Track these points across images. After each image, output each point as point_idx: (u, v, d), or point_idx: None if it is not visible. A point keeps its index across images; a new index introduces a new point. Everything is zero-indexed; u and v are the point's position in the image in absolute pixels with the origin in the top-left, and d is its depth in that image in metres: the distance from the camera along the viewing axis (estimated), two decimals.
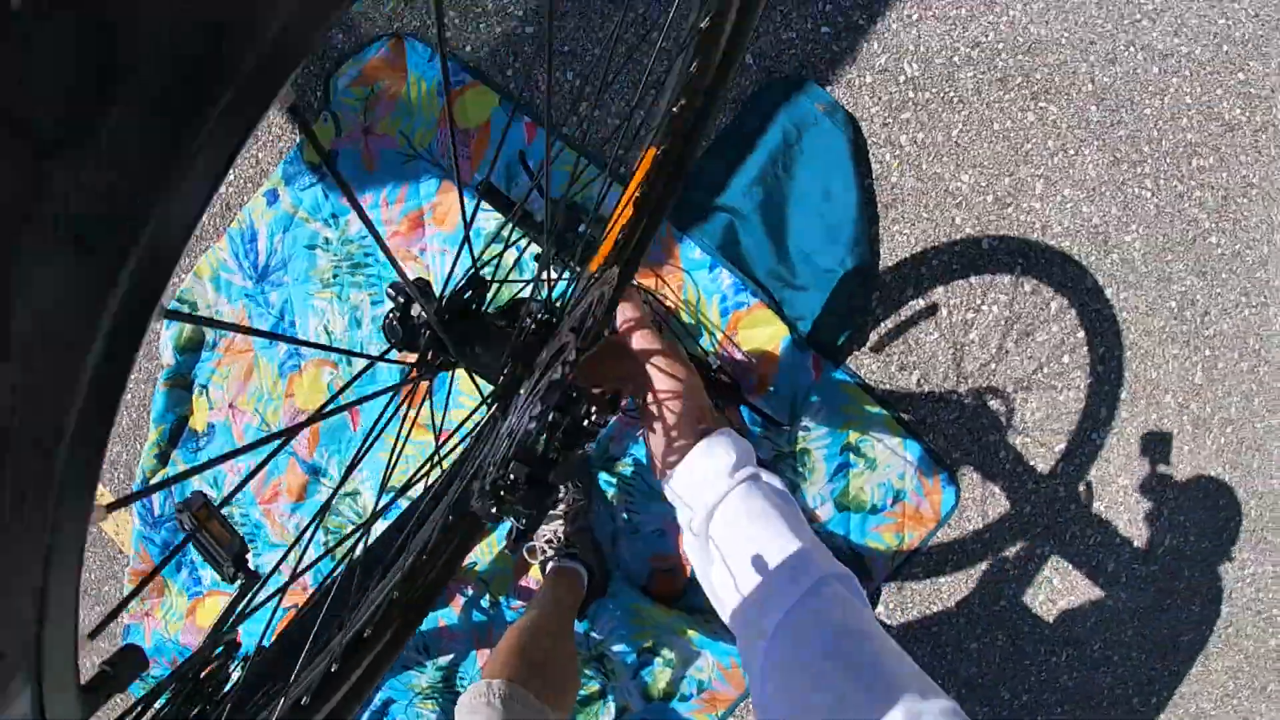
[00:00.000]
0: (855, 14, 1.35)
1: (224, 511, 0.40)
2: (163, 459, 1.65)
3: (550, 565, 1.33)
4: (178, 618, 1.68)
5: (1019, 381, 1.41)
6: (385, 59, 1.53)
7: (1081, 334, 1.43)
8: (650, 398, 0.68)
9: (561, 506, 1.32)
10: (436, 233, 1.49)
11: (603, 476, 1.40)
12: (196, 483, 1.64)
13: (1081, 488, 1.49)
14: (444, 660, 1.54)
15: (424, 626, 1.50)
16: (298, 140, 1.56)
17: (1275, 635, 1.71)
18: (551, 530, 1.32)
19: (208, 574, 1.69)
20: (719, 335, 1.34)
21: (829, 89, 1.35)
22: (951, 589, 1.48)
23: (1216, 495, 1.60)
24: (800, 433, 1.35)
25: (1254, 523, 1.63)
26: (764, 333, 1.34)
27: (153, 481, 1.62)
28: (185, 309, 1.62)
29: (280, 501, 1.60)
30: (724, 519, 0.63)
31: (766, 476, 0.66)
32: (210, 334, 1.63)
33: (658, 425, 0.68)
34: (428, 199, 1.50)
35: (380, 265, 1.53)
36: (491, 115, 1.46)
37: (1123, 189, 1.42)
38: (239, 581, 0.40)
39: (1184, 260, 1.47)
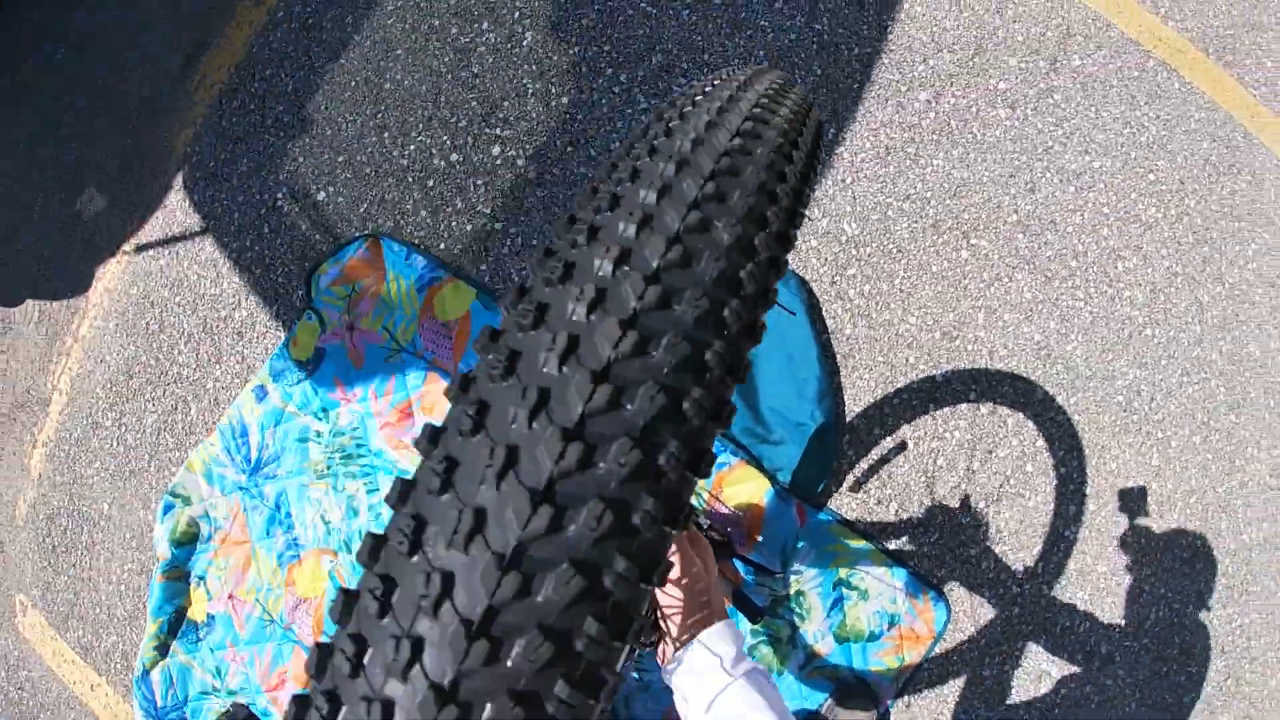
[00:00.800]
0: None
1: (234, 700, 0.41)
2: (162, 650, 1.71)
3: None
4: None
5: (989, 495, 1.51)
6: (363, 259, 1.64)
7: (1041, 442, 1.53)
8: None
9: None
10: (426, 422, 1.58)
11: None
12: (199, 673, 1.70)
13: (1063, 582, 1.58)
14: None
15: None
16: (283, 337, 1.66)
17: (1274, 676, 1.79)
18: None
19: None
20: (706, 495, 1.43)
21: None
22: (955, 698, 1.56)
23: (1193, 561, 1.69)
24: (793, 576, 1.44)
25: (1232, 578, 1.73)
26: (747, 488, 1.44)
27: (153, 673, 1.69)
28: (179, 503, 1.70)
29: (285, 689, 1.67)
30: (722, 712, 0.71)
31: (752, 666, 0.75)
32: (205, 527, 1.71)
33: (665, 611, 0.77)
34: (414, 390, 1.60)
35: (373, 454, 1.62)
36: (471, 308, 1.57)
37: (1057, 304, 1.54)
38: None
39: (1124, 357, 1.59)
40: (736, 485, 1.44)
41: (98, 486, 1.82)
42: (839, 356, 1.46)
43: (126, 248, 1.83)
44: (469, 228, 1.59)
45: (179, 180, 1.80)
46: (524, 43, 1.64)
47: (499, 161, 1.62)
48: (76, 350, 1.86)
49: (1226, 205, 1.63)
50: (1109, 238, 1.59)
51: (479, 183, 1.62)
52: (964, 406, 1.48)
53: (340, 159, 1.70)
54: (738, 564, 1.42)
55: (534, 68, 1.63)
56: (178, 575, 1.73)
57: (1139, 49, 1.63)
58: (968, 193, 1.51)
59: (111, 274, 1.84)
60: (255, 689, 1.70)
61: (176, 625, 1.73)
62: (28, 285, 1.94)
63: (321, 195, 1.71)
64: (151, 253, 1.81)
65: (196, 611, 1.72)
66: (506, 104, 1.63)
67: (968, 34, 1.59)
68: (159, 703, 1.72)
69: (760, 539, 1.44)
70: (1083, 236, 1.57)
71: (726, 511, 1.44)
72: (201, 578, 1.72)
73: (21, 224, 1.94)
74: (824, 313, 1.46)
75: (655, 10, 1.61)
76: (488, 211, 1.59)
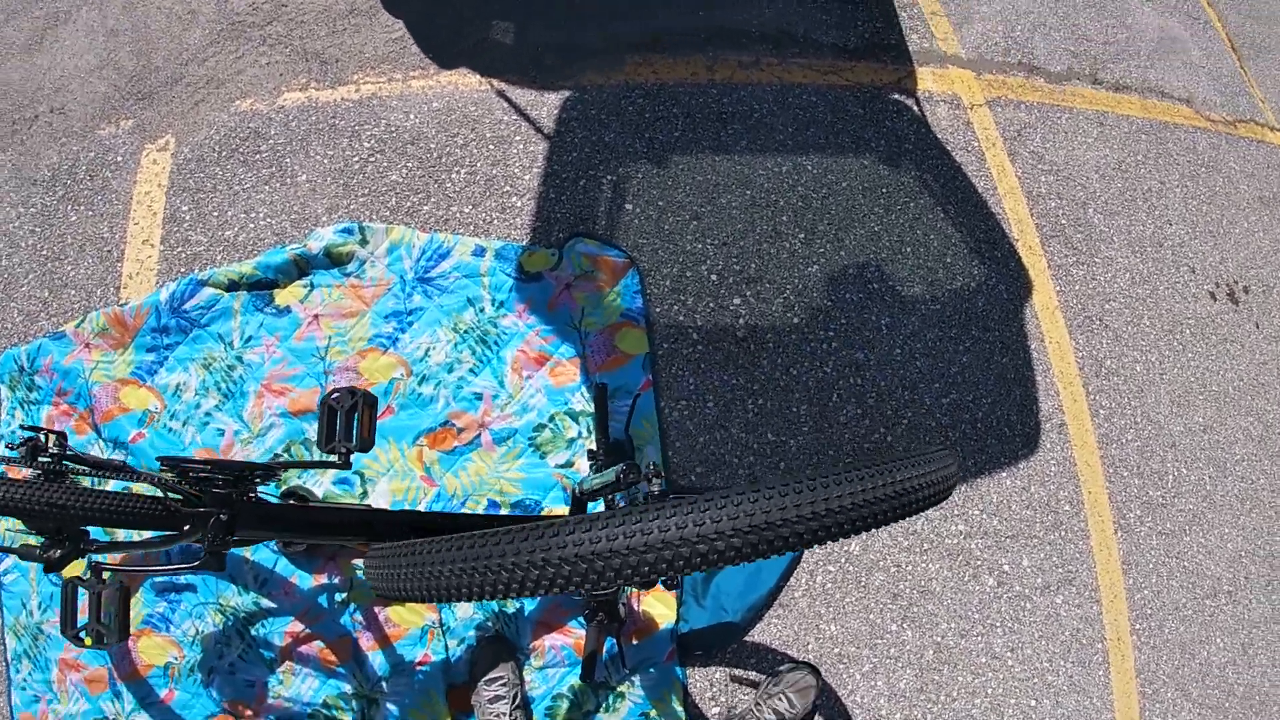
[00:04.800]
0: None
1: None
2: (229, 287, 2.04)
3: None
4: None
5: None
6: (614, 262, 2.15)
7: None
8: None
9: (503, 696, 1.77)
10: None
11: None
12: (235, 330, 2.02)
13: None
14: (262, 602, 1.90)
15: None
16: (519, 246, 2.13)
17: None
18: (495, 711, 1.75)
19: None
20: (635, 590, 1.91)
21: None
22: None
23: None
24: (628, 681, 1.88)
25: None
26: (660, 609, 1.91)
27: (203, 290, 2.00)
28: (355, 236, 2.09)
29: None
30: None
31: None
32: (353, 265, 2.08)
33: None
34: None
35: None
36: (639, 357, 2.08)
37: None
38: None
39: None
40: (656, 602, 1.91)
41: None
42: (783, 593, 1.99)
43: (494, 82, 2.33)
44: (704, 314, 2.14)
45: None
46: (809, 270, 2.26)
47: (740, 309, 2.19)
48: None
49: None
50: None
51: (711, 304, 2.18)
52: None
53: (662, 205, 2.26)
54: (609, 641, 1.86)
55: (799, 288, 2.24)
56: (296, 268, 2.07)
57: None
58: None
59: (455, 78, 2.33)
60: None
61: (257, 290, 2.06)
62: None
63: (630, 206, 2.25)
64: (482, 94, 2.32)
65: (284, 299, 2.05)
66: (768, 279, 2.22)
67: None
68: (183, 303, 2.03)
69: (635, 643, 1.90)
70: None
71: (637, 609, 1.90)
72: (313, 287, 2.06)
73: None
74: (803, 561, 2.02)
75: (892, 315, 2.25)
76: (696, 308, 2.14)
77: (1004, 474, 2.20)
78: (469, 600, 0.76)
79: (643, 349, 2.10)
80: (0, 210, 2.26)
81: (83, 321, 2.06)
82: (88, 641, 1.25)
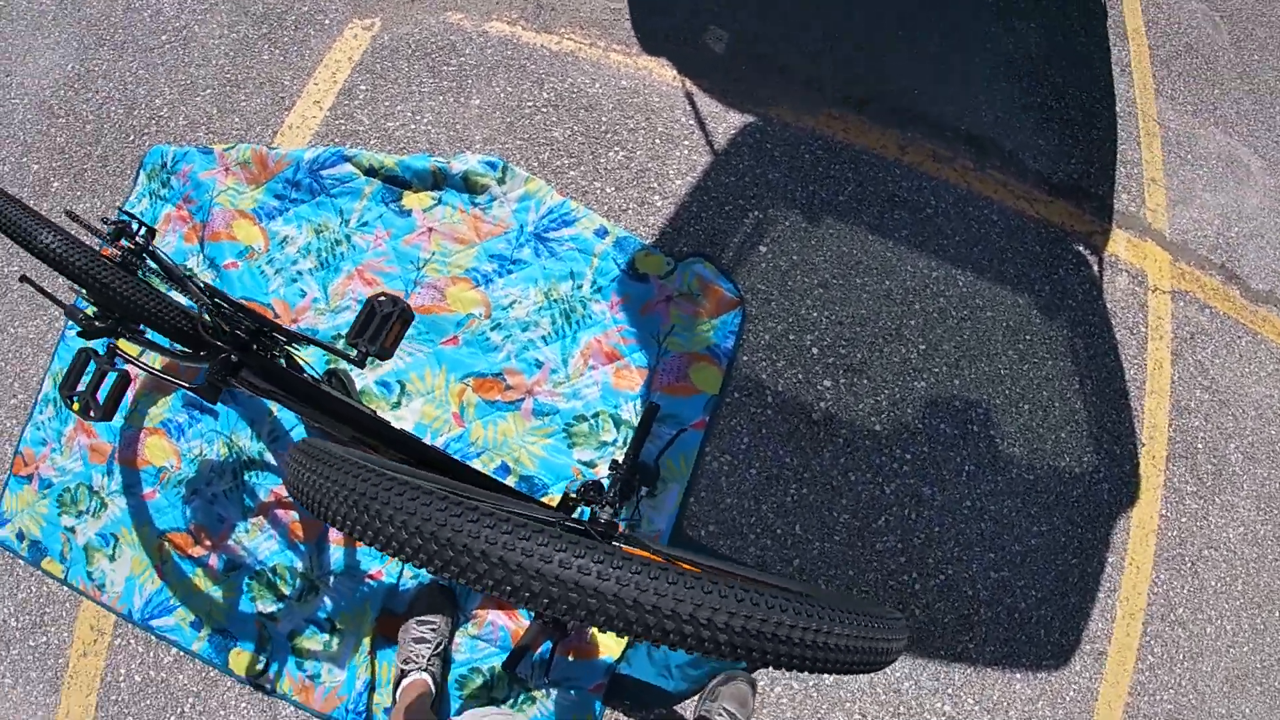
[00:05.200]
0: None
1: None
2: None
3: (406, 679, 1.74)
4: None
5: None
6: (706, 282, 2.08)
7: None
8: None
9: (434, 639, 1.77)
10: None
11: None
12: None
13: None
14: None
15: None
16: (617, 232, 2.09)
17: None
18: (417, 651, 1.74)
19: None
20: None
21: None
22: None
23: None
24: (546, 690, 1.82)
25: None
26: (607, 640, 1.84)
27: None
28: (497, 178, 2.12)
29: None
30: None
31: None
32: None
33: None
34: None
35: None
36: (706, 399, 2.01)
37: None
38: None
39: None
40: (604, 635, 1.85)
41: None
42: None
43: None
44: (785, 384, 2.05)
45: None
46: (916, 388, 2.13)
47: (830, 392, 2.08)
48: None
49: None
50: None
51: (781, 362, 2.08)
52: None
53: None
54: (547, 645, 1.81)
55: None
56: (432, 178, 2.12)
57: None
58: None
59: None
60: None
61: (390, 185, 2.12)
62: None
63: (764, 249, 2.17)
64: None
65: (410, 202, 2.09)
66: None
67: None
68: (322, 168, 2.10)
69: (570, 659, 1.84)
70: None
71: (586, 630, 1.84)
72: (439, 202, 2.10)
73: None
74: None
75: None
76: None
77: (1017, 677, 2.00)
78: (365, 541, 0.70)
79: (713, 389, 2.02)
80: (209, 24, 2.40)
81: (232, 148, 2.16)
82: (74, 407, 1.30)
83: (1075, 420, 2.22)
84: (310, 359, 1.70)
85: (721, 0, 2.51)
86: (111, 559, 1.94)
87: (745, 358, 2.09)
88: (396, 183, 2.12)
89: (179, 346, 1.44)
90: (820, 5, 2.56)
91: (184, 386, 1.40)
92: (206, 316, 1.37)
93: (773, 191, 2.26)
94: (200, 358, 1.42)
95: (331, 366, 1.91)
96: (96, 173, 2.25)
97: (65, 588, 1.96)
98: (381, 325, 1.29)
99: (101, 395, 1.30)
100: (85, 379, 1.31)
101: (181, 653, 1.89)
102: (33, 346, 2.13)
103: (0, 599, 1.97)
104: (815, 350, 2.13)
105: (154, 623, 1.90)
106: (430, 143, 2.22)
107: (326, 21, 2.39)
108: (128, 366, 1.37)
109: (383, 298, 1.31)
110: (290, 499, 1.88)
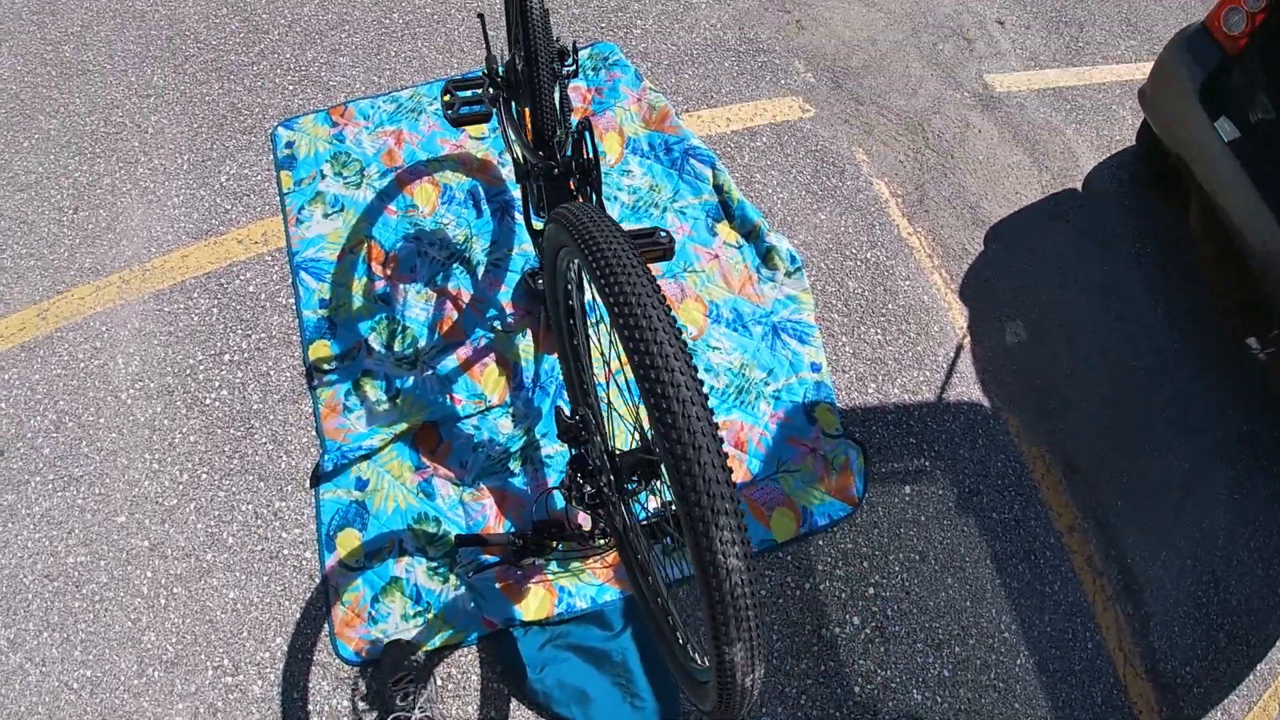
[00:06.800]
0: None
1: None
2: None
3: None
4: None
5: None
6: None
7: None
8: None
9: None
10: None
11: None
12: None
13: None
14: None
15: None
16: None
17: None
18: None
19: None
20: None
21: None
22: None
23: None
24: (460, 583, 1.98)
25: None
26: (537, 601, 1.99)
27: None
28: None
29: None
30: None
31: None
32: None
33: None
34: None
35: None
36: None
37: None
38: None
39: None
40: (537, 597, 1.97)
41: None
42: None
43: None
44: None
45: None
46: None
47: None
48: None
49: None
50: None
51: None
52: None
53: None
54: (495, 560, 1.98)
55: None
56: None
57: None
58: None
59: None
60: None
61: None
62: None
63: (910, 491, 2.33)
64: None
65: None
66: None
67: None
68: None
69: (498, 586, 1.96)
70: None
71: (532, 575, 2.01)
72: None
73: None
74: None
75: None
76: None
77: None
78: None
79: (780, 537, 2.19)
80: None
81: (654, 92, 2.63)
82: (445, 99, 2.02)
83: None
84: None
85: (1027, 302, 2.73)
86: (326, 216, 2.42)
87: (813, 548, 2.25)
88: (729, 210, 2.49)
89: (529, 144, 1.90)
90: (1087, 357, 2.72)
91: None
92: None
93: (951, 461, 2.43)
94: (539, 159, 1.81)
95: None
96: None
97: (277, 200, 2.47)
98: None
99: (463, 110, 1.90)
100: (465, 94, 1.94)
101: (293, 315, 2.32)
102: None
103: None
104: (871, 591, 2.25)
105: (303, 274, 2.32)
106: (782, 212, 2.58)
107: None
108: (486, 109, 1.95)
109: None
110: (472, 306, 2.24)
